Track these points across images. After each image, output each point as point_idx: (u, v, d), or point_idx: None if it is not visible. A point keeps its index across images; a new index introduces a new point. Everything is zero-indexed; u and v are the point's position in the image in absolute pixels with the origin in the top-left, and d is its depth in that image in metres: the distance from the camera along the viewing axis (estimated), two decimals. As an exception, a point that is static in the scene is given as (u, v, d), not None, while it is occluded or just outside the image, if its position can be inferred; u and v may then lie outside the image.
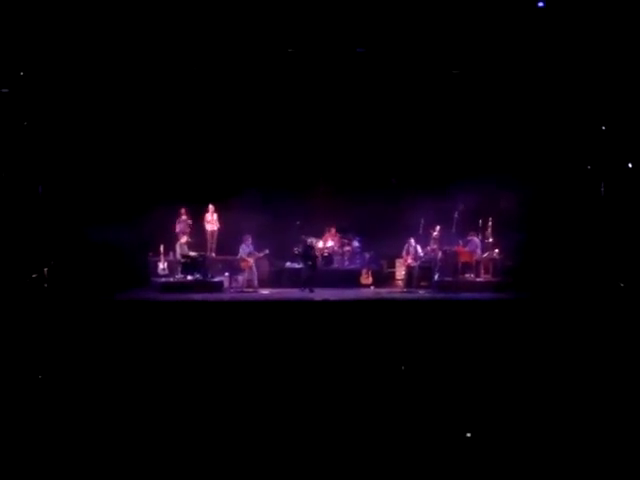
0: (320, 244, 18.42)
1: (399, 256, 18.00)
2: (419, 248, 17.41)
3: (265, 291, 16.81)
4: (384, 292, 17.15)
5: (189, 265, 17.12)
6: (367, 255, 18.48)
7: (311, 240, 17.51)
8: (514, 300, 15.95)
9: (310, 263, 16.97)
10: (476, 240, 17.46)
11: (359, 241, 18.83)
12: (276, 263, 18.09)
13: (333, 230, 18.84)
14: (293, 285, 17.28)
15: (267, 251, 17.19)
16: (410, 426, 7.99)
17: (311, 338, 12.22)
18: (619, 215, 17.06)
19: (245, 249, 16.95)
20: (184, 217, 17.66)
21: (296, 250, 17.76)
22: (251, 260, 16.91)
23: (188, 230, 17.58)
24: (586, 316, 14.19)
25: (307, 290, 16.51)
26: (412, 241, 17.38)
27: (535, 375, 10.69)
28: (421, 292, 16.95)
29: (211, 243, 18.03)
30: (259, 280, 17.17)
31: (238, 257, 17.07)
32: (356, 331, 13.01)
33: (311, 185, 18.66)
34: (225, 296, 16.44)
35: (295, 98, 18.04)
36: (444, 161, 18.26)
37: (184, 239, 17.36)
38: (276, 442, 7.51)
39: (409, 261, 17.47)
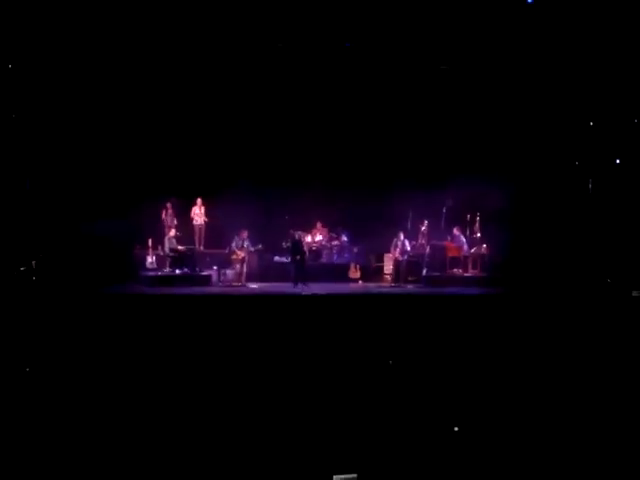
0: (308, 238, 18.42)
1: (387, 251, 17.99)
2: (407, 243, 17.41)
3: (254, 285, 16.78)
4: (372, 286, 17.19)
5: (177, 259, 17.07)
6: (355, 249, 18.51)
7: (299, 234, 17.41)
8: (502, 295, 16.03)
9: (298, 258, 16.88)
10: (461, 237, 17.50)
11: (347, 235, 18.86)
12: (264, 257, 18.05)
13: (321, 224, 18.84)
14: (281, 279, 17.23)
15: (260, 246, 17.08)
16: (398, 419, 8.04)
17: (299, 332, 12.23)
18: (607, 211, 17.16)
19: (238, 242, 16.86)
20: (170, 211, 17.63)
21: (284, 244, 17.77)
22: (242, 254, 16.82)
23: (174, 224, 17.51)
24: (573, 311, 14.31)
25: (300, 285, 16.37)
26: (401, 235, 17.34)
27: (522, 369, 10.78)
28: (409, 287, 16.98)
29: (199, 237, 18.01)
30: (248, 274, 17.12)
31: (229, 250, 17.00)
32: (344, 325, 13.04)
33: (300, 180, 18.62)
34: (214, 290, 16.39)
35: (285, 93, 18.01)
36: (433, 156, 18.28)
37: (172, 233, 17.29)
38: (266, 433, 7.55)
39: (397, 255, 17.47)
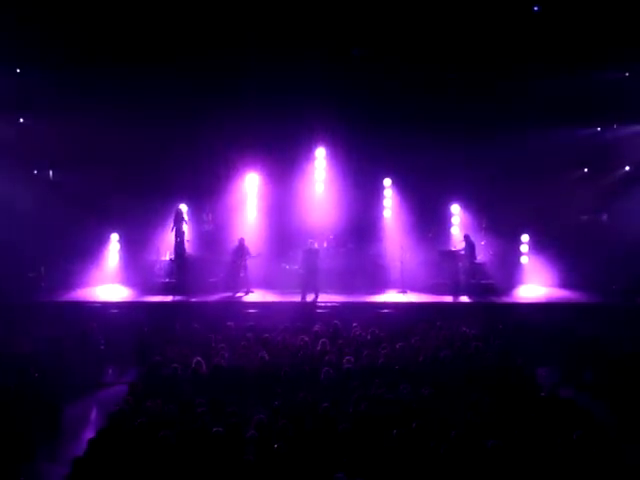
0: (315, 245, 18.28)
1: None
2: None
3: (261, 292, 16.79)
4: (380, 294, 17.05)
5: (184, 266, 17.05)
6: (363, 257, 18.37)
7: (312, 241, 17.06)
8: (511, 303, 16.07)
9: (311, 268, 16.39)
10: (470, 240, 17.35)
11: (354, 243, 18.70)
12: (272, 264, 17.92)
13: (328, 233, 18.70)
14: (289, 286, 17.00)
15: (257, 254, 17.12)
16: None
17: (306, 340, 12.24)
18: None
19: (238, 250, 16.88)
20: (181, 217, 17.57)
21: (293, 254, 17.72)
22: (242, 261, 16.80)
23: (184, 230, 17.48)
24: (581, 317, 14.33)
25: (309, 295, 16.12)
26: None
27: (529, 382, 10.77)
28: (415, 294, 16.84)
29: (206, 243, 17.96)
30: (256, 281, 17.11)
31: (231, 258, 17.05)
32: (349, 330, 13.07)
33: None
34: (218, 297, 16.37)
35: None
36: (439, 165, 18.00)
37: (181, 239, 17.25)
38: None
39: None
